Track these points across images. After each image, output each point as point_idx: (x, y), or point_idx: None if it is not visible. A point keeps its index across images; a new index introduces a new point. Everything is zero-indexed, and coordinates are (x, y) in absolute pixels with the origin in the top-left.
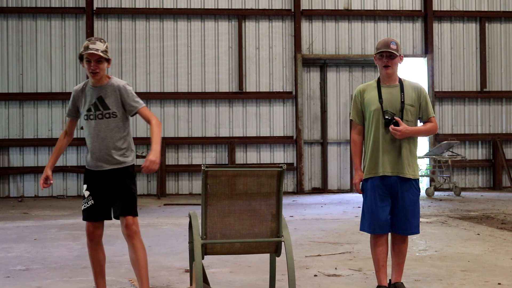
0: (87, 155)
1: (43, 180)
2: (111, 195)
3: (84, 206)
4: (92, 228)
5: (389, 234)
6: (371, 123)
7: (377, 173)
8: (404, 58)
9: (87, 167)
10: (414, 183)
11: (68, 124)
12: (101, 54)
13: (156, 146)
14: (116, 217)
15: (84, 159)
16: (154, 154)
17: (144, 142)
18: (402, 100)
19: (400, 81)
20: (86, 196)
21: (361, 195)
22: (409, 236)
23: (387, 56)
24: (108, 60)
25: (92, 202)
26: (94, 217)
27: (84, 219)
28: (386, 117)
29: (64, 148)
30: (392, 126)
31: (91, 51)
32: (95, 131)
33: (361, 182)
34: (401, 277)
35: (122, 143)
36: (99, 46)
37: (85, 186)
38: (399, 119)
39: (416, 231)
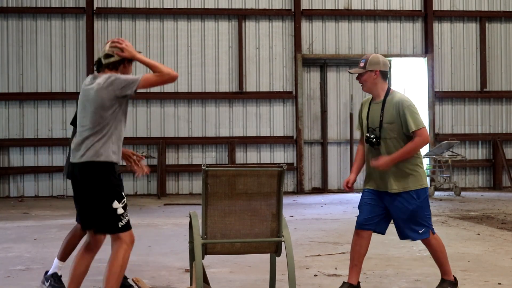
0: (117, 150)
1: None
2: None
3: (128, 217)
4: None
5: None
6: (364, 138)
7: (367, 186)
8: (393, 63)
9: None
10: (405, 195)
11: None
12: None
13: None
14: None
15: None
16: None
17: (144, 142)
18: (381, 119)
19: (386, 96)
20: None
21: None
22: (409, 237)
23: (357, 76)
24: None
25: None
26: None
27: (129, 228)
28: (369, 135)
29: None
30: (372, 162)
31: None
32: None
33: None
34: (447, 275)
35: None
36: None
37: (123, 193)
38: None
39: (425, 235)
